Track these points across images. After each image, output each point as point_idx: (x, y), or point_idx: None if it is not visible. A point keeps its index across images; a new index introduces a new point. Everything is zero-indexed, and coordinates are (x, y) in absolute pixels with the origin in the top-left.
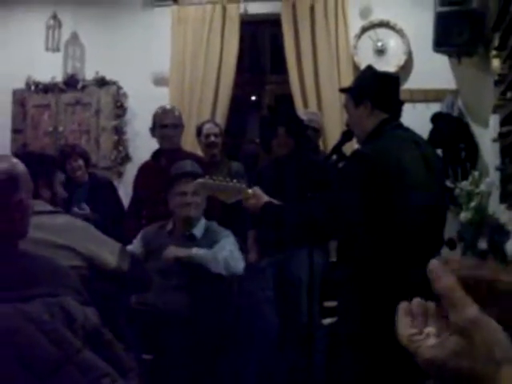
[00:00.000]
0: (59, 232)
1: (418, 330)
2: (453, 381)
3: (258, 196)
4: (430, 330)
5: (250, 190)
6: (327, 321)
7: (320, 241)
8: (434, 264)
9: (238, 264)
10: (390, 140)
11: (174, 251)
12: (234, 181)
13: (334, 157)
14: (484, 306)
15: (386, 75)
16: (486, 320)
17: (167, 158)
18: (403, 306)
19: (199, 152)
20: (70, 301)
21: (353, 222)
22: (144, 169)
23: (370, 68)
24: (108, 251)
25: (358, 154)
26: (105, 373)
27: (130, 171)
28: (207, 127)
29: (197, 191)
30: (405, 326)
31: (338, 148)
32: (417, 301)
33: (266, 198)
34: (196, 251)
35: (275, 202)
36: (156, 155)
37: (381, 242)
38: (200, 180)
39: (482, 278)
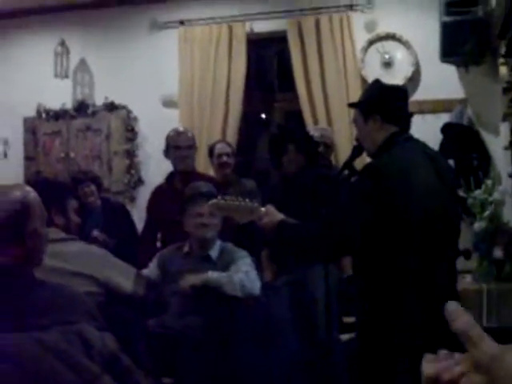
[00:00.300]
0: (74, 259)
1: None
2: None
3: (271, 214)
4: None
5: (262, 209)
6: (346, 336)
7: (330, 257)
8: (450, 305)
9: (254, 285)
10: (400, 153)
11: (189, 280)
12: (247, 200)
13: (346, 172)
14: None
15: (394, 88)
16: (507, 355)
17: (181, 180)
18: (429, 356)
19: (211, 172)
20: (86, 327)
21: (363, 235)
22: (158, 191)
23: (377, 81)
24: (123, 277)
25: (368, 168)
26: None
27: (143, 195)
28: (219, 147)
29: (212, 212)
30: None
31: (349, 163)
32: (443, 353)
33: (280, 216)
34: (211, 274)
35: (289, 219)
36: (170, 178)
37: (395, 255)
38: (213, 201)
39: None
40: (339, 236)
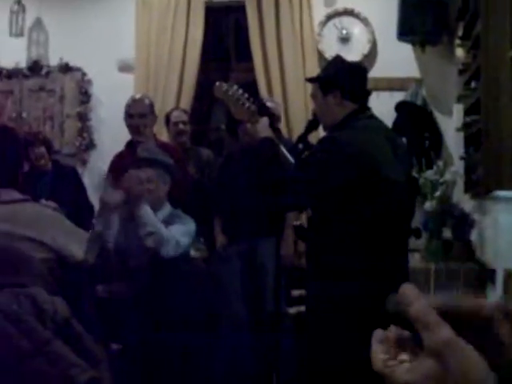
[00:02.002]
0: (28, 223)
1: (392, 356)
2: None
3: (263, 126)
4: (405, 357)
5: (259, 117)
6: (294, 309)
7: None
8: (405, 288)
9: (186, 248)
10: (362, 129)
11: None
12: (250, 100)
13: (300, 146)
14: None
15: (354, 65)
16: (460, 342)
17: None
18: (377, 333)
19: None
20: (39, 291)
21: (326, 202)
22: (118, 158)
23: (338, 58)
24: (76, 242)
25: (332, 140)
26: (74, 363)
27: (94, 158)
28: (175, 115)
29: (150, 178)
30: (379, 352)
31: (303, 137)
32: (392, 329)
33: (268, 133)
34: (149, 212)
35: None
36: (129, 144)
37: (353, 229)
38: (220, 84)
39: (461, 310)
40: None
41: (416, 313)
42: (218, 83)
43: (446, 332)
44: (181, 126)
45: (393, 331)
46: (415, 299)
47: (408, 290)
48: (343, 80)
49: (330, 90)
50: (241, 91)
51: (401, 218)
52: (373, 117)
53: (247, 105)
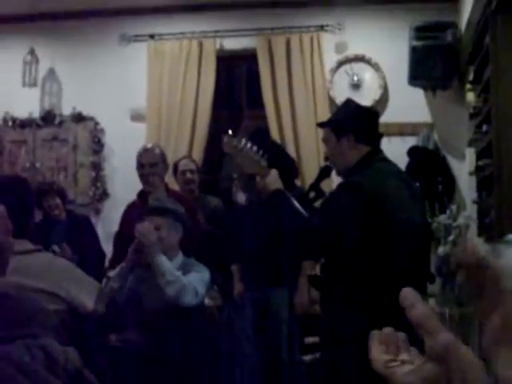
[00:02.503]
0: (40, 274)
1: (392, 357)
2: None
3: (273, 179)
4: (405, 357)
5: (269, 170)
6: (308, 357)
7: (309, 249)
8: (407, 292)
9: (203, 298)
10: (377, 173)
11: (147, 231)
12: (260, 152)
13: (313, 194)
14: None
15: (367, 108)
16: (460, 346)
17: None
18: (376, 333)
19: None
20: (50, 342)
21: (345, 248)
22: (130, 208)
23: (350, 101)
24: (87, 294)
25: (350, 184)
26: None
27: (108, 207)
28: (183, 164)
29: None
30: (379, 352)
31: (316, 185)
32: (389, 329)
33: (278, 185)
34: (165, 261)
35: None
36: (141, 194)
37: (371, 274)
38: (229, 138)
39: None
40: (317, 242)
41: (417, 317)
42: (226, 139)
43: (446, 336)
44: (188, 174)
45: (389, 331)
46: (417, 303)
47: (409, 294)
48: (356, 123)
49: (343, 133)
50: (249, 145)
51: (418, 261)
52: (386, 159)
53: (256, 159)
